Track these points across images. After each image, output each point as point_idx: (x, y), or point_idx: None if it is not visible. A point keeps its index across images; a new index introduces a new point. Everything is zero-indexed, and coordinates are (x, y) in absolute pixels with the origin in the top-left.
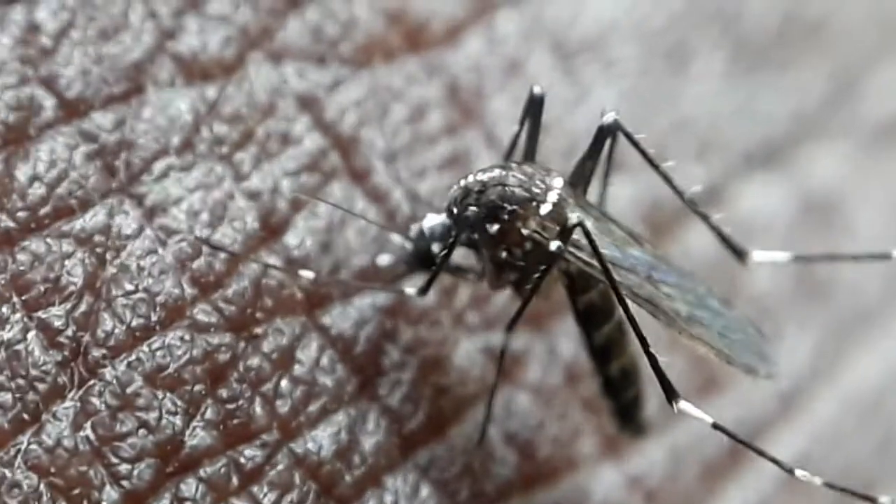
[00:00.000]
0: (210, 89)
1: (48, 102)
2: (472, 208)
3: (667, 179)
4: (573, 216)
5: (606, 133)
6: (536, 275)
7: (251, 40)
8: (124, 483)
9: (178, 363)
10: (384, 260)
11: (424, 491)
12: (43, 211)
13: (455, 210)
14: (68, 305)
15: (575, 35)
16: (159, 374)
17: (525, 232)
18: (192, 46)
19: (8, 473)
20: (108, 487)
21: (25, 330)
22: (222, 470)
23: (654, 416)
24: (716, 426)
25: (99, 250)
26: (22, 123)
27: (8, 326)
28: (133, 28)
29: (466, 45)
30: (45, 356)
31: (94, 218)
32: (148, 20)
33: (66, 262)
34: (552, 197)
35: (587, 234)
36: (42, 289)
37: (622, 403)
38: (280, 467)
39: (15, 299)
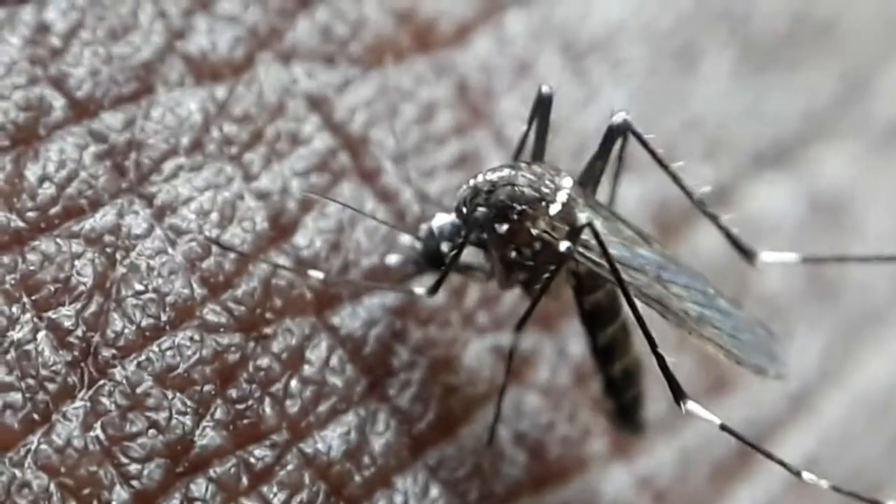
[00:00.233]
0: (220, 89)
1: (58, 102)
2: (482, 208)
3: (676, 180)
4: (582, 217)
5: (616, 133)
6: (546, 275)
7: (261, 40)
8: (134, 483)
9: (188, 363)
10: (393, 260)
11: (434, 491)
12: (53, 211)
13: (464, 210)
14: (78, 305)
15: (584, 35)
16: (169, 375)
17: (534, 232)
18: (202, 46)
19: (18, 473)
20: (117, 487)
21: (35, 330)
22: (232, 470)
23: (663, 417)
24: (723, 427)
25: (109, 250)
26: (32, 123)
27: (18, 326)
28: (142, 28)
29: (475, 45)
30: (55, 356)
31: (103, 218)
32: (157, 20)
33: (76, 262)
34: (561, 197)
35: (596, 234)
36: (52, 289)
37: (623, 403)
38: (290, 467)
39: (25, 299)
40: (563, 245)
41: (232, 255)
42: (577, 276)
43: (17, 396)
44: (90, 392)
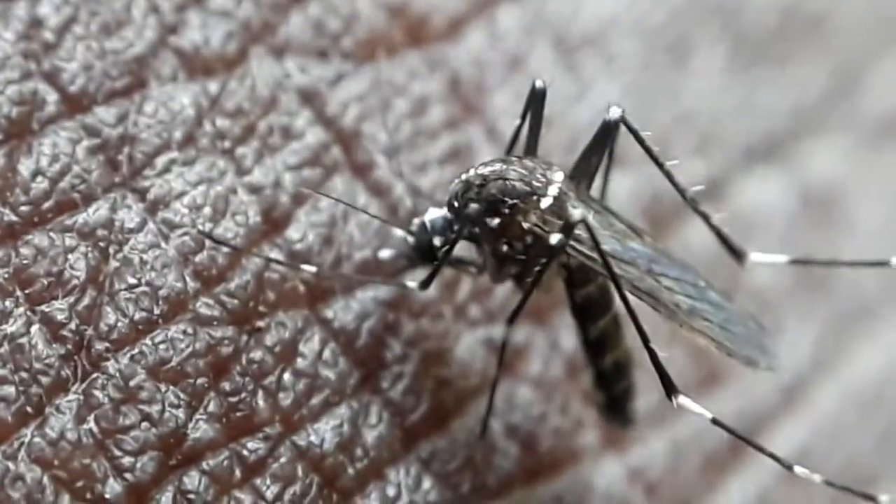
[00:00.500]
0: (212, 84)
1: (51, 97)
2: (473, 202)
3: (669, 177)
4: (576, 212)
5: (612, 128)
6: (537, 268)
7: (253, 35)
8: (127, 476)
9: (181, 356)
10: (386, 254)
11: (427, 483)
12: (46, 205)
13: (456, 204)
14: (71, 299)
15: (576, 30)
16: (162, 368)
17: (526, 226)
18: (195, 41)
19: (11, 466)
20: (111, 480)
21: (29, 323)
22: (225, 463)
23: (654, 409)
24: (715, 421)
25: (102, 244)
26: (25, 118)
27: (11, 320)
28: (135, 23)
29: (468, 39)
30: (48, 349)
31: (96, 212)
32: (150, 15)
33: (70, 256)
34: (553, 191)
35: (589, 228)
36: (45, 282)
37: (612, 396)
38: (283, 460)
39: (18, 293)
40: (555, 238)
41: (225, 249)
42: (568, 269)
43: (10, 389)
44: (83, 385)
